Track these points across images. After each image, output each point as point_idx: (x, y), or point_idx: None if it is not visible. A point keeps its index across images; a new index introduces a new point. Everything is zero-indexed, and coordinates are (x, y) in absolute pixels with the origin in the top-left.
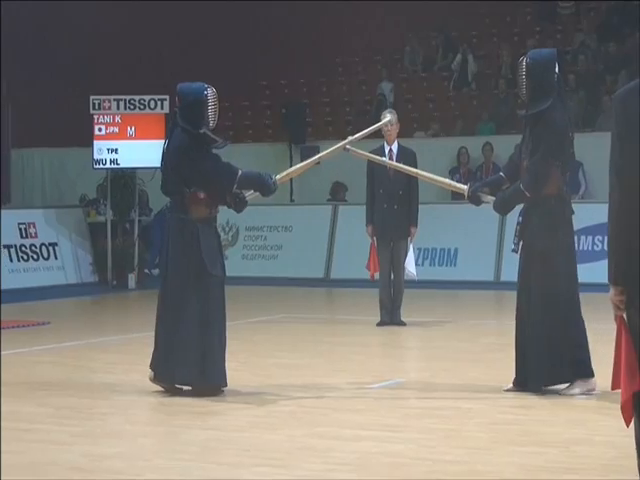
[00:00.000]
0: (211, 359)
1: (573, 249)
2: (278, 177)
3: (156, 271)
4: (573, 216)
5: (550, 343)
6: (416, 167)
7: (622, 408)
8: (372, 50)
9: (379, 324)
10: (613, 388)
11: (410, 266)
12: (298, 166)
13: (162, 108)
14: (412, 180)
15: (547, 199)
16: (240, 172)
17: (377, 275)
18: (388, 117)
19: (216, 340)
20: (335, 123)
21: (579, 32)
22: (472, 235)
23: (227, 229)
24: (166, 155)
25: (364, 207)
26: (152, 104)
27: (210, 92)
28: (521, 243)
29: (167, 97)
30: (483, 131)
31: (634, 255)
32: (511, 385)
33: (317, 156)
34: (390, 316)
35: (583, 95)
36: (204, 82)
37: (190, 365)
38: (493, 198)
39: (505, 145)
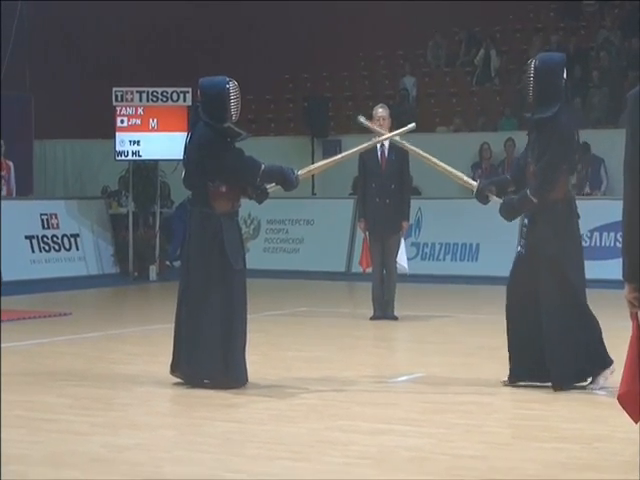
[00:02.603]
0: (234, 354)
1: (580, 252)
2: (300, 172)
3: (177, 263)
4: (587, 215)
5: (570, 344)
6: (408, 163)
7: (621, 401)
8: (395, 45)
9: (372, 318)
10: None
11: (402, 260)
12: (321, 163)
13: (184, 100)
14: (404, 175)
15: (554, 204)
16: (263, 166)
17: (369, 270)
18: (380, 112)
19: (239, 334)
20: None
21: (602, 29)
22: (494, 230)
23: (249, 222)
24: (189, 149)
25: None
26: (174, 96)
27: (232, 85)
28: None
29: (189, 89)
30: (505, 126)
31: None
32: (507, 379)
33: (340, 155)
34: (383, 310)
35: (606, 91)
36: (226, 76)
37: (214, 360)
38: (500, 200)
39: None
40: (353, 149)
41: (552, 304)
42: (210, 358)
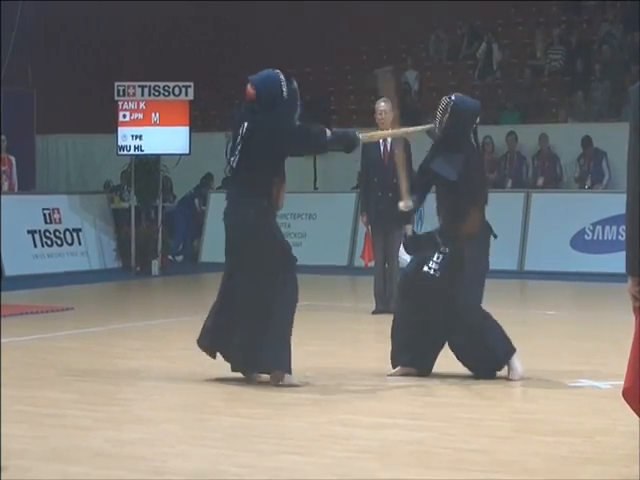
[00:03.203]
0: (288, 345)
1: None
2: (362, 136)
3: (180, 257)
4: (589, 209)
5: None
6: (410, 155)
7: (625, 395)
8: (397, 38)
9: (374, 312)
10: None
11: (404, 254)
12: (384, 132)
13: (186, 95)
14: (407, 168)
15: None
16: (329, 132)
17: (371, 264)
18: (382, 105)
19: (291, 325)
20: (360, 111)
21: (604, 22)
22: (495, 224)
23: None
24: (248, 140)
25: None
26: (176, 91)
27: (279, 73)
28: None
29: (191, 84)
30: (507, 120)
31: None
32: None
33: (403, 130)
34: (386, 305)
35: (608, 85)
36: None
37: (277, 351)
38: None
39: (529, 134)
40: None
41: None
42: (272, 350)
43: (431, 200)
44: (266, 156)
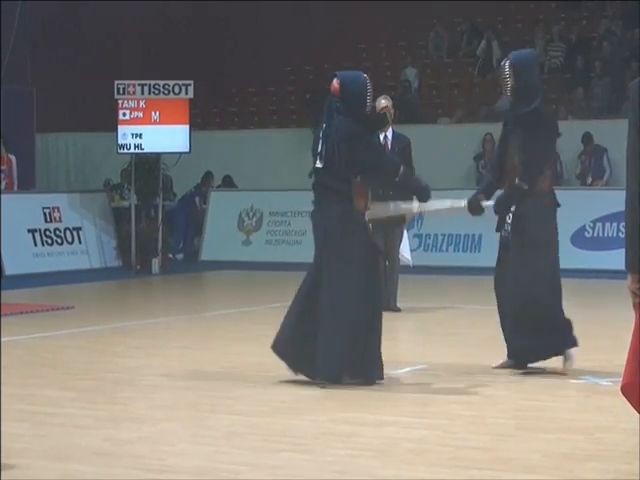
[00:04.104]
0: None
1: (558, 242)
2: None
3: (180, 256)
4: (589, 205)
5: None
6: (410, 153)
7: (624, 391)
8: (396, 36)
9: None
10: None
11: (405, 252)
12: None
13: (186, 93)
14: (407, 166)
15: (540, 194)
16: (402, 167)
17: None
18: (383, 102)
19: (377, 331)
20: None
21: (604, 19)
22: (496, 221)
23: (251, 214)
24: (328, 143)
25: None
26: (176, 89)
27: (367, 79)
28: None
29: (191, 82)
30: None
31: None
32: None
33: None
34: (386, 302)
35: (608, 81)
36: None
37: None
38: (491, 203)
39: None
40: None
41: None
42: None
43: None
44: (345, 158)
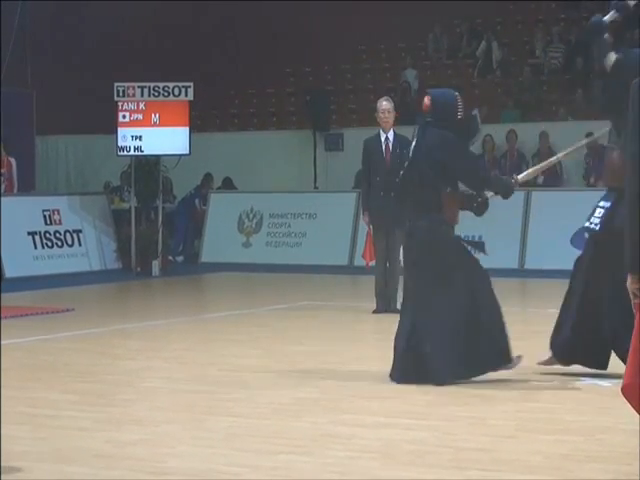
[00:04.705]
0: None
1: None
2: (520, 176)
3: (180, 258)
4: (590, 206)
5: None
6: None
7: (624, 392)
8: (396, 37)
9: (375, 312)
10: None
11: None
12: (537, 167)
13: (186, 95)
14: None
15: None
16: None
17: (372, 263)
18: (384, 105)
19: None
20: (359, 110)
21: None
22: (496, 222)
23: (251, 216)
24: (418, 154)
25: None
26: (176, 91)
27: (458, 97)
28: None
29: (191, 84)
30: (507, 118)
31: None
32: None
33: (555, 157)
34: (386, 304)
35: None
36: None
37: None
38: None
39: (530, 132)
40: (563, 152)
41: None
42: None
43: None
44: (433, 170)
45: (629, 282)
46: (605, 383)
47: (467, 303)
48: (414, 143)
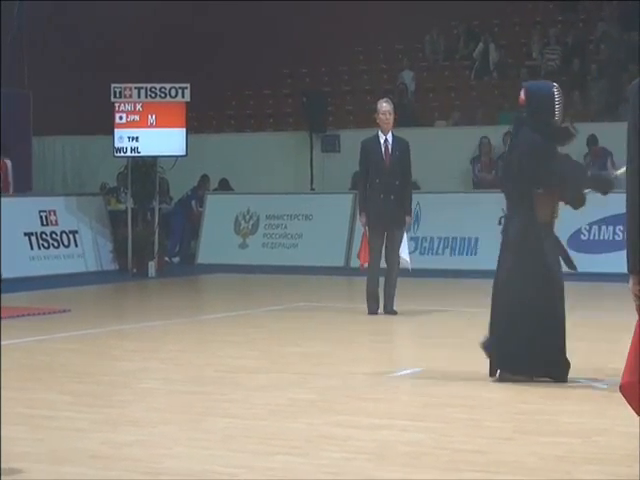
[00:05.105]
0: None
1: None
2: (618, 172)
3: (176, 259)
4: (587, 208)
5: None
6: (409, 157)
7: (623, 391)
8: (393, 39)
9: (370, 313)
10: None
11: (405, 254)
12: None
13: (183, 96)
14: (406, 170)
15: None
16: (589, 172)
17: (367, 265)
18: (384, 106)
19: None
20: (356, 112)
21: (601, 21)
22: (493, 224)
23: (247, 217)
24: (514, 154)
25: None
26: (173, 92)
27: (557, 89)
28: None
29: (188, 85)
30: (504, 120)
31: None
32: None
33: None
34: (382, 305)
35: (605, 84)
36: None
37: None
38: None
39: None
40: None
41: None
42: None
43: (428, 200)
44: (527, 173)
45: (630, 284)
46: (601, 385)
47: (543, 304)
48: (509, 141)
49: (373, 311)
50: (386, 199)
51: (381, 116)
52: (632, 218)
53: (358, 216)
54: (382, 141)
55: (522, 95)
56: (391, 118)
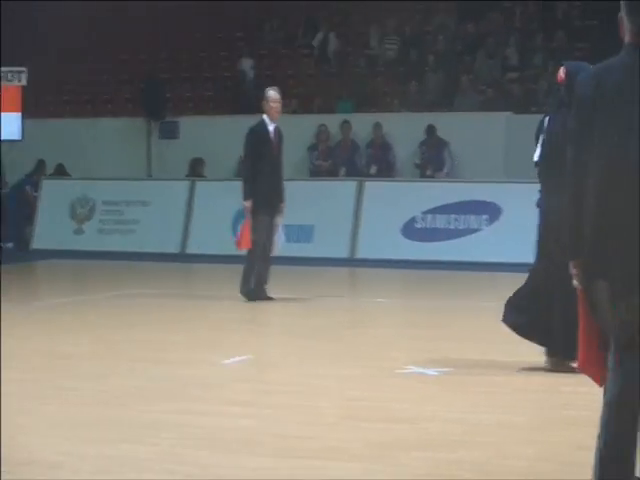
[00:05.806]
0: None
1: None
2: None
3: (10, 244)
4: (425, 197)
5: None
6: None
7: (581, 368)
8: (233, 26)
9: (252, 299)
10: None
11: (280, 240)
12: None
13: (19, 80)
14: (281, 157)
15: None
16: None
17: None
18: (273, 94)
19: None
20: (196, 99)
21: (438, 14)
22: (328, 212)
23: (84, 203)
24: (552, 136)
25: (224, 183)
26: (10, 76)
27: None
28: None
29: (25, 69)
30: (342, 109)
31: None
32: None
33: None
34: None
35: (441, 75)
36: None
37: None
38: None
39: (363, 123)
40: None
41: None
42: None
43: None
44: (562, 154)
45: (571, 267)
46: (430, 372)
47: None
48: (547, 122)
49: (261, 296)
50: (276, 184)
51: (272, 104)
52: (572, 208)
53: (243, 202)
54: (271, 129)
55: (562, 74)
56: (280, 106)
